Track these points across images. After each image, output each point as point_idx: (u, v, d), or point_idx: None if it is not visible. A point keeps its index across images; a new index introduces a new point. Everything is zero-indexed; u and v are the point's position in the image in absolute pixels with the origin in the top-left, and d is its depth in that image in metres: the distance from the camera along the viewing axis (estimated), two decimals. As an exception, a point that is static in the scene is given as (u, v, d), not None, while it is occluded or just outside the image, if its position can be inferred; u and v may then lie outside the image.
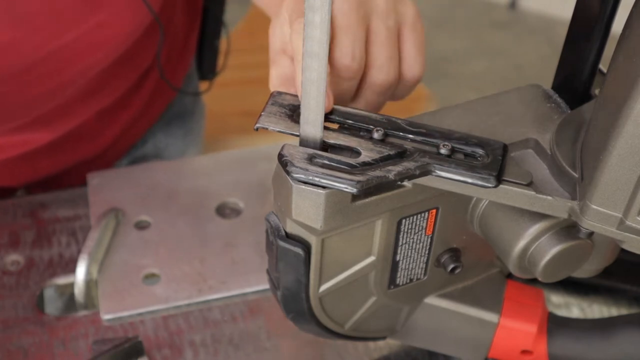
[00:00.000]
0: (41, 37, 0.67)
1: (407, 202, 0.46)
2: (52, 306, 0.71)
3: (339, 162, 0.42)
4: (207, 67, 0.98)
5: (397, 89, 0.54)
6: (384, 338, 0.58)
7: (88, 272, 0.67)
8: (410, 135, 0.44)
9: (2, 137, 0.78)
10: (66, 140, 0.81)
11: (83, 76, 0.74)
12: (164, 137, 0.94)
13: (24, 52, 0.67)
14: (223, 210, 0.75)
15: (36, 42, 0.67)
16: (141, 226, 0.73)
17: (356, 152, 0.43)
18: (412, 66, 0.53)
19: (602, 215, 0.41)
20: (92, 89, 0.78)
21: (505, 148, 0.44)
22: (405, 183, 0.44)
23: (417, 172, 0.42)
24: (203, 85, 1.00)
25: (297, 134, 0.43)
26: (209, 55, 0.97)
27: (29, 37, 0.66)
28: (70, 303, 0.71)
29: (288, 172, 0.42)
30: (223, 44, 0.97)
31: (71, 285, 0.69)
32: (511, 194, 0.43)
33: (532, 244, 0.46)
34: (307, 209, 0.43)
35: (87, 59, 0.72)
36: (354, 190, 0.41)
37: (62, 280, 0.69)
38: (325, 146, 0.43)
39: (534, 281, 0.57)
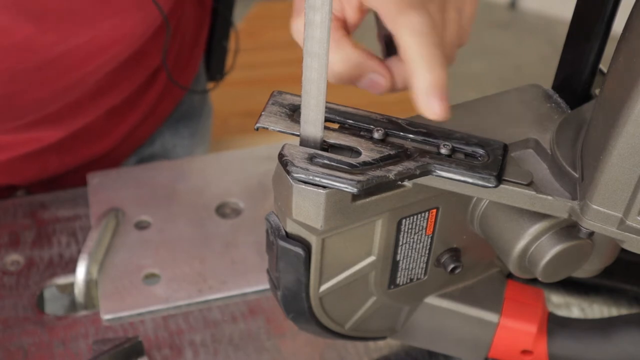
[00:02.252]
0: (56, 36, 0.67)
1: (407, 202, 0.46)
2: (52, 306, 0.71)
3: (339, 161, 0.42)
4: (215, 67, 0.98)
5: None
6: (384, 338, 0.58)
7: (88, 272, 0.67)
8: (411, 135, 0.44)
9: (12, 134, 0.78)
10: (75, 138, 0.81)
11: (94, 75, 0.74)
12: (172, 137, 0.95)
13: (38, 50, 0.67)
14: (223, 210, 0.75)
15: (51, 40, 0.67)
16: (141, 226, 0.73)
17: (356, 152, 0.43)
18: (464, 37, 0.52)
19: (602, 215, 0.41)
20: (102, 88, 0.78)
21: (505, 148, 0.44)
22: (406, 183, 0.44)
23: (418, 172, 0.42)
24: (210, 86, 1.00)
25: (298, 133, 0.43)
26: (217, 55, 0.97)
27: (43, 35, 0.66)
28: (70, 303, 0.71)
29: (288, 172, 0.42)
30: (231, 44, 0.98)
31: (71, 285, 0.69)
32: (511, 194, 0.43)
33: (533, 244, 0.46)
34: (307, 209, 0.43)
35: (99, 58, 0.72)
36: (354, 190, 0.41)
37: (62, 280, 0.69)
38: (325, 146, 0.43)
39: (534, 281, 0.57)
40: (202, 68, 0.97)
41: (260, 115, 0.45)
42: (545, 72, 0.80)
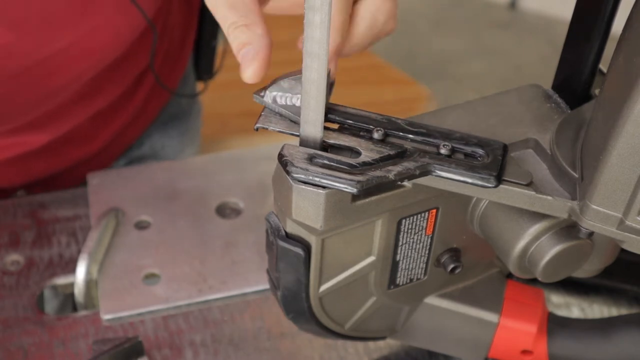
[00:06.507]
0: (35, 42, 0.67)
1: (407, 202, 0.46)
2: (52, 306, 0.71)
3: (339, 162, 0.42)
4: (204, 67, 0.98)
5: None
6: (384, 338, 0.58)
7: (88, 272, 0.67)
8: (410, 135, 0.44)
9: None
10: (61, 142, 0.81)
11: (78, 80, 0.74)
12: (160, 138, 0.94)
13: (18, 56, 0.67)
14: (223, 210, 0.75)
15: (30, 46, 0.67)
16: (141, 226, 0.73)
17: (356, 152, 0.43)
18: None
19: (602, 215, 0.41)
20: (88, 92, 0.78)
21: (505, 148, 0.44)
22: (405, 183, 0.44)
23: (417, 172, 0.42)
24: (200, 86, 1.00)
25: (297, 134, 0.43)
26: (206, 55, 0.97)
27: (22, 41, 0.66)
28: (70, 303, 0.71)
29: (288, 172, 0.42)
30: (225, 44, 0.97)
31: (71, 285, 0.69)
32: (511, 194, 0.43)
33: (532, 244, 0.46)
34: (307, 209, 0.43)
35: (81, 63, 0.72)
36: (354, 190, 0.41)
37: (62, 280, 0.69)
38: (325, 146, 0.43)
39: (534, 281, 0.57)
40: (190, 68, 0.97)
41: (260, 115, 0.45)
42: (545, 72, 0.80)
